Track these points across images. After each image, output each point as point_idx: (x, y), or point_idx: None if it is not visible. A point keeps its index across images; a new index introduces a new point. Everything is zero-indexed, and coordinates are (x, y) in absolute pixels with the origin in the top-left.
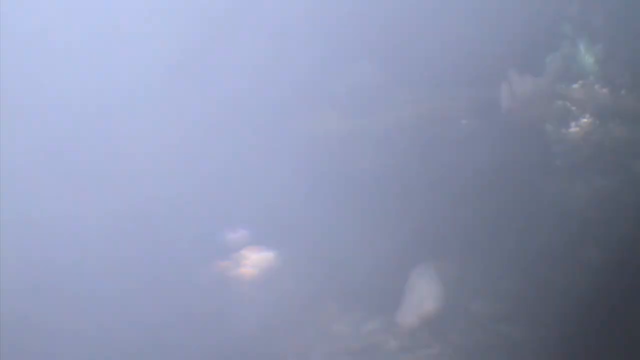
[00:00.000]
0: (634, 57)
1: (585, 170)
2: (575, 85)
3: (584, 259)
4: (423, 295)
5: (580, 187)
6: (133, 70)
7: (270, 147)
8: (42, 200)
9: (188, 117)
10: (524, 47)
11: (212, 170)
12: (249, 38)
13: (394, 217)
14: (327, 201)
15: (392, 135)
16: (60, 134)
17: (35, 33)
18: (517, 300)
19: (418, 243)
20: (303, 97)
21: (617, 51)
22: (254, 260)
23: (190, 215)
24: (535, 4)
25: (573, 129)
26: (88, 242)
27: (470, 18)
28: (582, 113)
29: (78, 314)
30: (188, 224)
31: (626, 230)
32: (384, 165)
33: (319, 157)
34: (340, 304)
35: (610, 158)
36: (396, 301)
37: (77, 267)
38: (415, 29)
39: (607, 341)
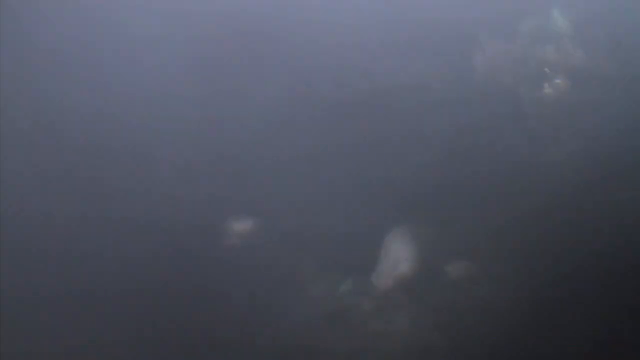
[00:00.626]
0: (609, 19)
1: (558, 133)
2: (549, 48)
3: (557, 221)
4: (398, 257)
5: (554, 148)
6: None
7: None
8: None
9: None
10: (499, 11)
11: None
12: None
13: (371, 180)
14: (306, 167)
15: (369, 102)
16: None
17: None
18: (492, 261)
19: (394, 205)
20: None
21: (592, 14)
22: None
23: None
24: None
25: (546, 90)
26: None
27: None
28: (555, 75)
29: None
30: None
31: (598, 190)
32: (361, 131)
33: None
34: (317, 266)
35: (583, 120)
36: (372, 263)
37: None
38: None
39: (579, 300)
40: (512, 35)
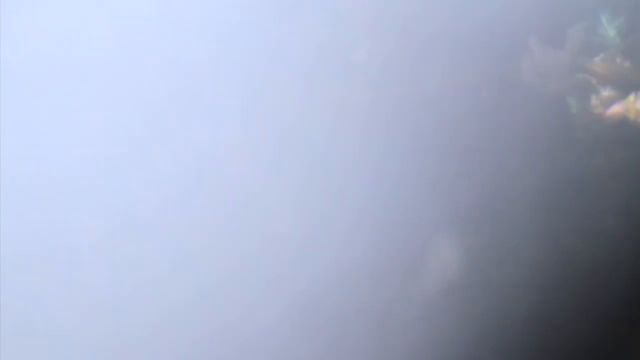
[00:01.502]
0: None
1: (605, 143)
2: (596, 58)
3: (604, 230)
4: (444, 262)
5: (601, 159)
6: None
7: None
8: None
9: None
10: (546, 19)
11: None
12: None
13: (419, 185)
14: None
15: (415, 108)
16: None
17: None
18: (537, 268)
19: (441, 210)
20: (327, 68)
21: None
22: None
23: None
24: None
25: (594, 101)
26: None
27: None
28: (603, 86)
29: None
30: None
31: None
32: (408, 137)
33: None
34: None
35: (631, 130)
36: (417, 267)
37: None
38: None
39: (626, 311)
40: (560, 42)
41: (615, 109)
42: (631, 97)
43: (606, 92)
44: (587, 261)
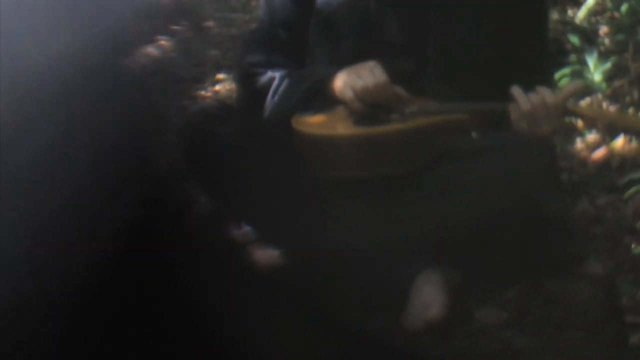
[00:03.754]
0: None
1: (588, 187)
2: (582, 102)
3: (588, 274)
4: (428, 300)
5: (585, 203)
6: None
7: None
8: None
9: None
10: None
11: None
12: None
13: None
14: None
15: (401, 144)
16: None
17: None
18: (522, 308)
19: (425, 248)
20: None
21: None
22: None
23: None
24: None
25: (579, 145)
26: None
27: None
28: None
29: None
30: None
31: None
32: None
33: None
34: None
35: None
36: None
37: None
38: None
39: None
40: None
41: (600, 153)
42: (617, 142)
43: (591, 136)
44: None
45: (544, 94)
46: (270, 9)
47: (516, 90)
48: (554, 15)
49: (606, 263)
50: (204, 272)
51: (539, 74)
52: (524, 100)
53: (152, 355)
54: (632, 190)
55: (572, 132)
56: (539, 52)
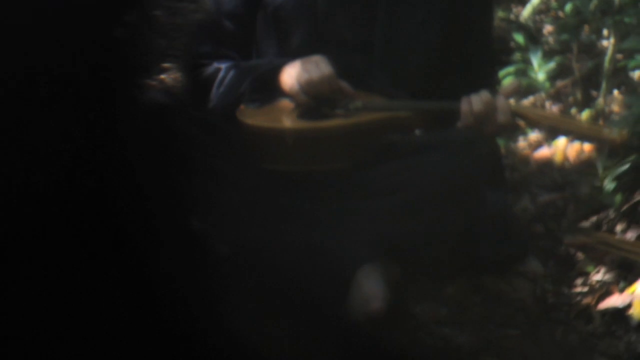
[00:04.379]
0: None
1: (530, 185)
2: (526, 101)
3: (528, 272)
4: (369, 294)
5: (526, 201)
6: None
7: None
8: None
9: None
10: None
11: None
12: None
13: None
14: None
15: (346, 139)
16: None
17: None
18: (461, 305)
19: (367, 244)
20: None
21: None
22: None
23: None
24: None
25: (522, 144)
26: None
27: None
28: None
29: None
30: None
31: None
32: None
33: None
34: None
35: (556, 174)
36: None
37: None
38: None
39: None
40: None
41: (543, 152)
42: (559, 141)
43: (534, 135)
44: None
45: (488, 94)
46: (217, 0)
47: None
48: (499, 13)
49: (546, 261)
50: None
51: (483, 72)
52: (470, 100)
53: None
54: None
55: (516, 131)
56: (484, 51)
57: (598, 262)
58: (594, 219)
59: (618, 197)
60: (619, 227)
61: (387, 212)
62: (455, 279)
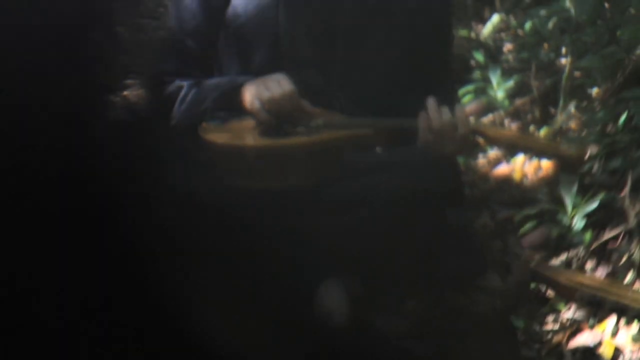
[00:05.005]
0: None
1: (489, 202)
2: (485, 119)
3: (488, 287)
4: (329, 309)
5: (486, 217)
6: None
7: None
8: None
9: None
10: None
11: None
12: None
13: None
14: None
15: (307, 157)
16: None
17: None
18: (422, 319)
19: (328, 259)
20: None
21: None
22: None
23: None
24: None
25: (481, 161)
26: None
27: None
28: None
29: None
30: None
31: None
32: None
33: None
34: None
35: (516, 190)
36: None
37: None
38: None
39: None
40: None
41: (502, 169)
42: (517, 158)
43: (493, 153)
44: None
45: (447, 112)
46: (179, 19)
47: (428, 106)
48: (460, 31)
49: (504, 276)
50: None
51: (442, 90)
52: (429, 117)
53: None
54: (527, 226)
55: (475, 148)
56: (443, 70)
57: (568, 299)
58: (564, 256)
59: (587, 235)
60: (588, 265)
61: (348, 228)
62: (416, 293)
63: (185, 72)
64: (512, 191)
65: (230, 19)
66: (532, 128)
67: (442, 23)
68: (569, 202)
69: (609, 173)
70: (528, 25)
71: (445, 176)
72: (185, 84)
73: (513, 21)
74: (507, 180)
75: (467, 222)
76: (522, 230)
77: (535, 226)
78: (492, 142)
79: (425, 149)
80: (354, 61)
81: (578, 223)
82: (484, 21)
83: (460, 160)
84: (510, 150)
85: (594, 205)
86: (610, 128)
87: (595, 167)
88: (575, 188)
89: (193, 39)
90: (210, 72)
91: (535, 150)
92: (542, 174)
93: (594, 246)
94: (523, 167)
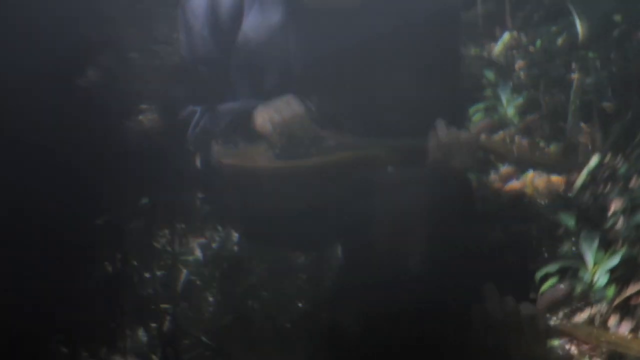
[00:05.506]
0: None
1: (503, 217)
2: (496, 136)
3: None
4: None
5: (498, 232)
6: None
7: None
8: None
9: None
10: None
11: None
12: None
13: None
14: None
15: (319, 177)
16: None
17: None
18: None
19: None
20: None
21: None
22: None
23: None
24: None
25: (493, 177)
26: None
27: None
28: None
29: None
30: None
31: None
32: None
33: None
34: None
35: (527, 206)
36: None
37: None
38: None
39: None
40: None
41: (513, 185)
42: (528, 174)
43: (505, 169)
44: None
45: (458, 131)
46: (190, 44)
47: (438, 126)
48: (472, 50)
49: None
50: None
51: (452, 110)
52: (439, 136)
53: None
54: (548, 283)
55: (487, 165)
56: (453, 89)
57: (592, 356)
58: (586, 313)
59: (610, 291)
60: (611, 321)
61: (362, 248)
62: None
63: (198, 96)
64: (524, 206)
65: (241, 43)
66: (541, 144)
67: (452, 43)
68: (590, 257)
69: (633, 227)
70: (539, 42)
71: (457, 193)
72: (198, 109)
73: (524, 38)
74: (519, 196)
75: (480, 237)
76: (544, 288)
77: (556, 282)
78: (503, 158)
79: (436, 167)
80: (364, 82)
81: (600, 279)
82: (495, 39)
83: (473, 176)
84: (521, 166)
85: (615, 260)
86: (633, 183)
87: (620, 221)
88: (596, 243)
89: (204, 64)
90: (222, 96)
91: (545, 166)
92: (552, 187)
93: (617, 302)
94: (533, 182)
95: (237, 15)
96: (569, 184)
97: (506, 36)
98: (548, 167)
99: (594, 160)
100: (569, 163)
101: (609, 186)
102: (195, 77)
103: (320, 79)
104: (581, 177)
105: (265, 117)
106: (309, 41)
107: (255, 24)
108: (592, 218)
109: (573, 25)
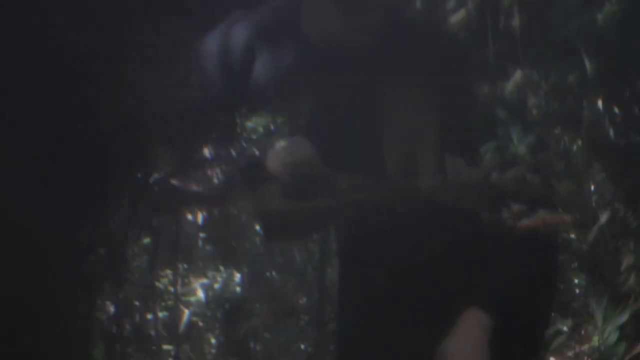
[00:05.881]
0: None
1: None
2: (507, 174)
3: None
4: None
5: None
6: None
7: None
8: None
9: None
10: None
11: None
12: None
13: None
14: None
15: (330, 220)
16: None
17: None
18: None
19: None
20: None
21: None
22: None
23: None
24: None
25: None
26: None
27: None
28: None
29: None
30: None
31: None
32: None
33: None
34: None
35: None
36: None
37: None
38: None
39: None
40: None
41: (526, 223)
42: (541, 212)
43: (517, 207)
44: None
45: (469, 171)
46: (203, 86)
47: (449, 165)
48: (485, 89)
49: None
50: None
51: (464, 150)
52: (448, 176)
53: None
54: (558, 340)
55: (498, 203)
56: (465, 130)
57: None
58: None
59: (621, 347)
60: None
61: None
62: None
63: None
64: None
65: (252, 85)
66: (554, 182)
67: (463, 84)
68: (599, 315)
69: None
70: (549, 79)
71: (468, 232)
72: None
73: (536, 76)
74: (532, 235)
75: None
76: (554, 345)
77: (566, 340)
78: (514, 197)
79: (448, 205)
80: (377, 125)
81: (611, 335)
82: (507, 77)
83: (484, 215)
84: (532, 204)
85: (624, 317)
86: None
87: (632, 278)
88: (605, 301)
89: (215, 107)
90: (234, 135)
91: (556, 205)
92: (565, 225)
93: (627, 358)
94: (546, 219)
95: (249, 58)
96: (581, 230)
97: (517, 75)
98: (559, 206)
99: (605, 216)
100: (579, 202)
101: (620, 242)
102: (207, 119)
103: (330, 122)
104: (592, 233)
105: (276, 159)
106: (320, 85)
107: (267, 66)
108: (604, 274)
109: (583, 62)
